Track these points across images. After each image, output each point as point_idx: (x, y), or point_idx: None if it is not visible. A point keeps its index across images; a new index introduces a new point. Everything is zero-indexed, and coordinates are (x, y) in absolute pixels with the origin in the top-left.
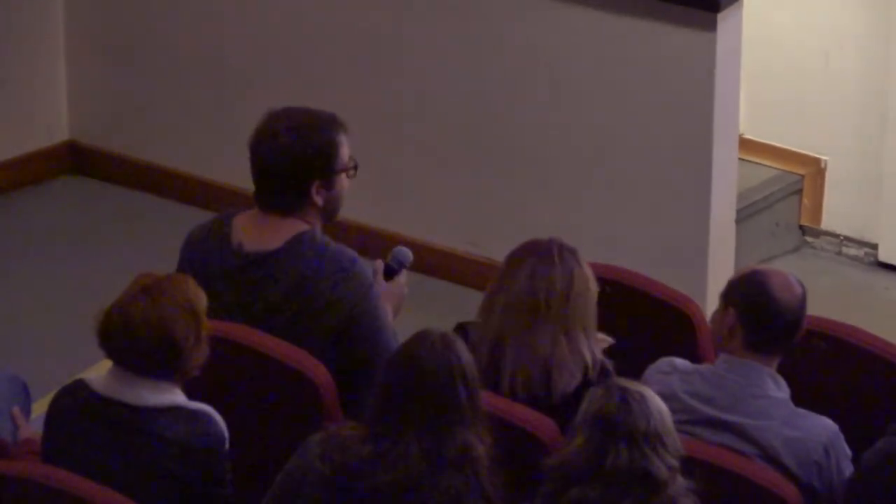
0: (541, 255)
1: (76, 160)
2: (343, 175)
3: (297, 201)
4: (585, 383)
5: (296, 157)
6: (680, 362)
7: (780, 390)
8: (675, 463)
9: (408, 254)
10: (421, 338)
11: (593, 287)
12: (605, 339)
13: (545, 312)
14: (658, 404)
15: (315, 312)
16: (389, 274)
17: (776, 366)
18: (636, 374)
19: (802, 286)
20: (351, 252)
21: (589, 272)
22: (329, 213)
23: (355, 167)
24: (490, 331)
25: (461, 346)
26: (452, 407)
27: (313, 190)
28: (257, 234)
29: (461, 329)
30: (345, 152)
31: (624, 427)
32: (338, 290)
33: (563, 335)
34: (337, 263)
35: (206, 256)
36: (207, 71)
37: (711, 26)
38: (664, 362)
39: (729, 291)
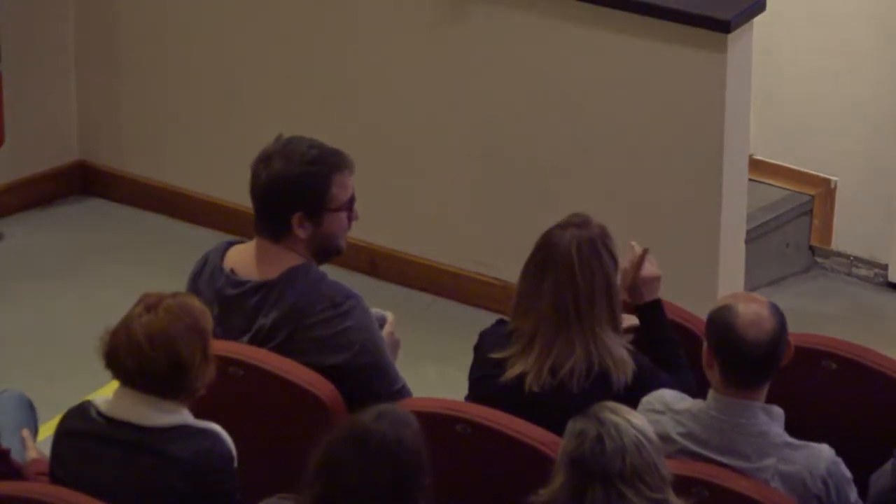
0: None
1: (86, 180)
2: (338, 214)
3: (280, 229)
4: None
5: (280, 185)
6: (670, 398)
7: (773, 420)
8: (659, 496)
9: (383, 315)
10: (340, 440)
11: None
12: (629, 318)
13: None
14: (635, 437)
15: (305, 347)
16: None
17: (765, 393)
18: None
19: (778, 316)
20: (345, 288)
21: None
22: (320, 251)
23: (351, 206)
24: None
25: (385, 442)
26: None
27: (294, 221)
28: (252, 262)
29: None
30: (340, 191)
31: (598, 469)
32: (330, 329)
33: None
34: (329, 300)
35: (200, 286)
36: (218, 92)
37: (722, 47)
38: (656, 399)
39: (706, 327)
